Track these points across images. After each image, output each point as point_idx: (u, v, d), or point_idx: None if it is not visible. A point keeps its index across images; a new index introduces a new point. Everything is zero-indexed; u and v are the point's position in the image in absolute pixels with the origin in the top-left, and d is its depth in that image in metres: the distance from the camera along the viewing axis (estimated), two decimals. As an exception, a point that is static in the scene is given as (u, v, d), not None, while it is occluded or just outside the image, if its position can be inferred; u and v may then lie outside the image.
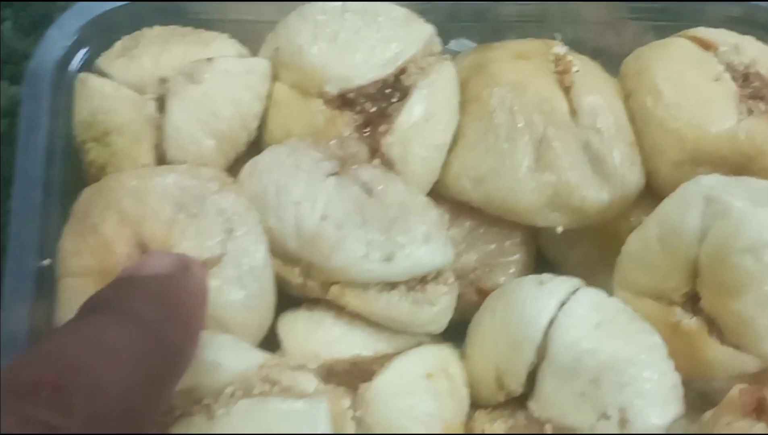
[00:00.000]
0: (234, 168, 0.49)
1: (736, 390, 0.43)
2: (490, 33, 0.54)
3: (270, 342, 0.46)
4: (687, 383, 0.45)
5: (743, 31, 0.51)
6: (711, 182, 0.45)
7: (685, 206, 0.45)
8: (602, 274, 0.49)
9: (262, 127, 0.51)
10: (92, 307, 0.35)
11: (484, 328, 0.47)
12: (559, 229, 0.49)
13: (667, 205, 0.46)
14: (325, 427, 0.40)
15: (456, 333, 0.49)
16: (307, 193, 0.45)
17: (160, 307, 0.35)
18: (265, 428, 0.39)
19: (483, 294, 0.50)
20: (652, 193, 0.49)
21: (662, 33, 0.53)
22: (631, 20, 0.55)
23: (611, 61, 0.52)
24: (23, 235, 0.47)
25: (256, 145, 0.50)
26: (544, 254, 0.54)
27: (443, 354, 0.47)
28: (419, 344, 0.47)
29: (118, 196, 0.45)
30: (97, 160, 0.49)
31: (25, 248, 0.47)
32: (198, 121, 0.48)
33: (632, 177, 0.49)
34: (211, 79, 0.48)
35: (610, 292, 0.46)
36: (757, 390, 0.43)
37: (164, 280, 0.37)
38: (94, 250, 0.45)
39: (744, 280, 0.43)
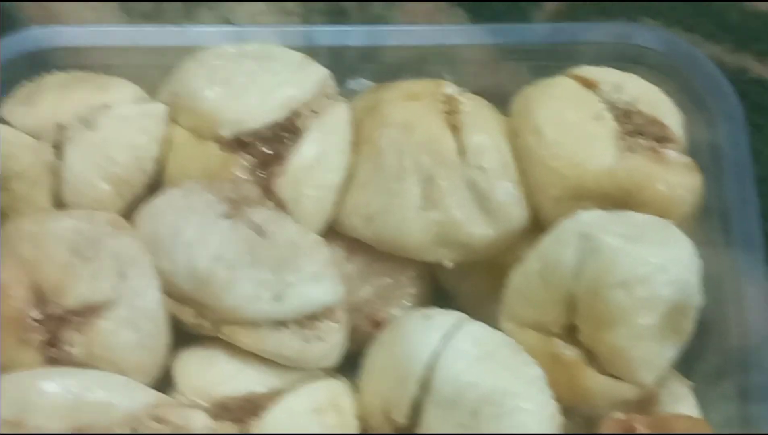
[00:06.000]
0: (135, 209, 0.50)
1: (608, 421, 0.45)
2: (386, 73, 0.55)
3: (169, 381, 0.48)
4: (572, 410, 0.47)
5: (626, 69, 0.53)
6: (587, 219, 0.47)
7: (562, 243, 0.47)
8: (493, 304, 0.50)
9: (162, 169, 0.52)
10: None
11: (374, 360, 0.49)
12: (449, 264, 0.51)
13: (545, 242, 0.48)
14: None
15: (354, 364, 0.50)
16: (200, 234, 0.46)
17: None
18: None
19: (378, 326, 0.51)
20: (538, 228, 0.51)
21: (539, 73, 0.54)
22: (508, 61, 0.56)
23: (491, 101, 0.53)
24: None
25: (158, 187, 0.52)
26: (441, 285, 0.55)
27: (333, 388, 0.48)
28: (314, 378, 0.48)
29: (15, 242, 0.47)
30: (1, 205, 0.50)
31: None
32: (94, 166, 0.49)
33: (516, 213, 0.50)
34: (108, 125, 0.50)
35: (499, 323, 0.49)
36: (626, 420, 0.45)
37: None
38: (-9, 294, 0.46)
39: (617, 314, 0.45)
